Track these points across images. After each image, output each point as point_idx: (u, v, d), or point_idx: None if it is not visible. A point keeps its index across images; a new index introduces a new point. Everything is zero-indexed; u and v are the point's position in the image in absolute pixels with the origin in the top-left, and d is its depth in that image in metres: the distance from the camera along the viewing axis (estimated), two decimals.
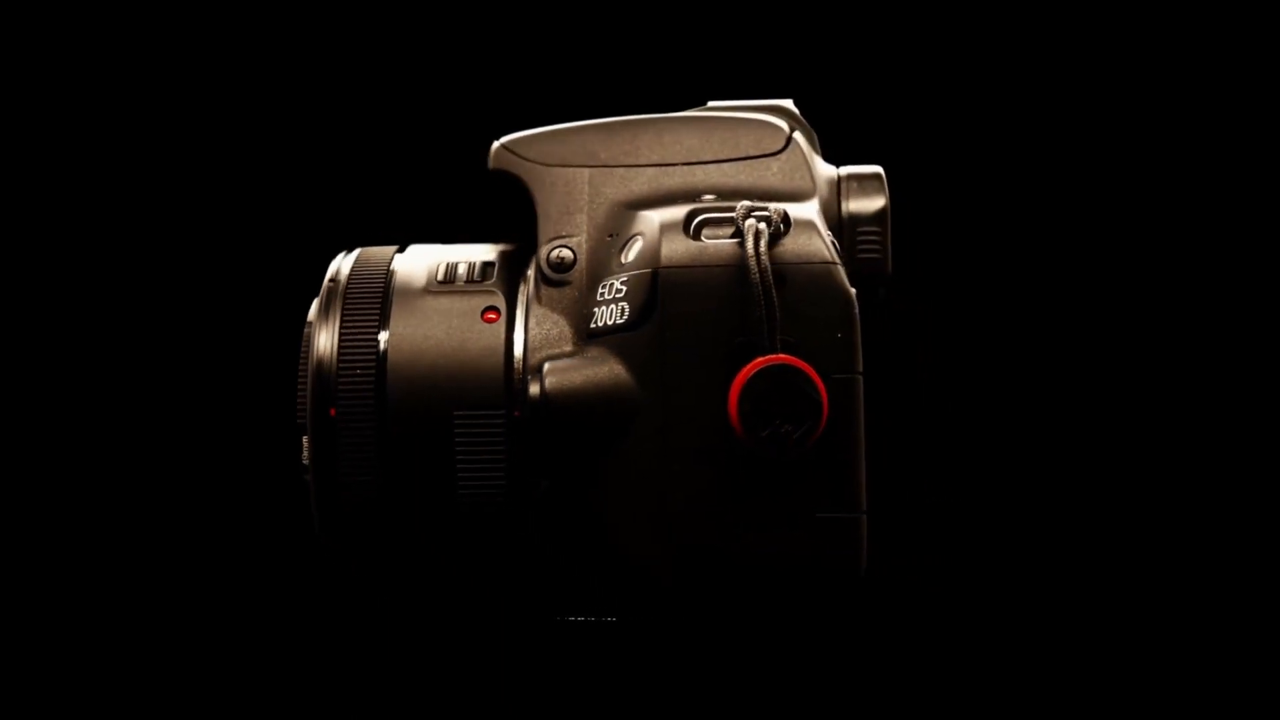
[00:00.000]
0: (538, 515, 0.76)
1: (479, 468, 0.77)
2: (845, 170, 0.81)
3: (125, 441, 1.05)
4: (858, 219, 0.79)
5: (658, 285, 0.74)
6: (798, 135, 0.80)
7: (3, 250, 1.08)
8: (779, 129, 0.80)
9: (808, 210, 0.75)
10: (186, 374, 1.06)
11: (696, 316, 0.73)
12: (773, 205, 0.75)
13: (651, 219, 0.76)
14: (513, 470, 0.76)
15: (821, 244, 0.74)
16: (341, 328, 0.79)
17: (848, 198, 0.80)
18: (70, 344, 1.06)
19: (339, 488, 0.77)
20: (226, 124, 1.11)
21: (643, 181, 0.79)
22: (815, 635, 0.85)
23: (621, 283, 0.75)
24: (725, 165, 0.79)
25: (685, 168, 0.79)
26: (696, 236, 0.74)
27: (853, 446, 0.73)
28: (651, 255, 0.74)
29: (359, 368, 0.78)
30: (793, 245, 0.74)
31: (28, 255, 1.07)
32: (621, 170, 0.79)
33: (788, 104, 0.82)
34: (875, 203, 0.80)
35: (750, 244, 0.73)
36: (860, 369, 0.74)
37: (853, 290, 0.74)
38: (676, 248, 0.74)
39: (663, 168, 0.79)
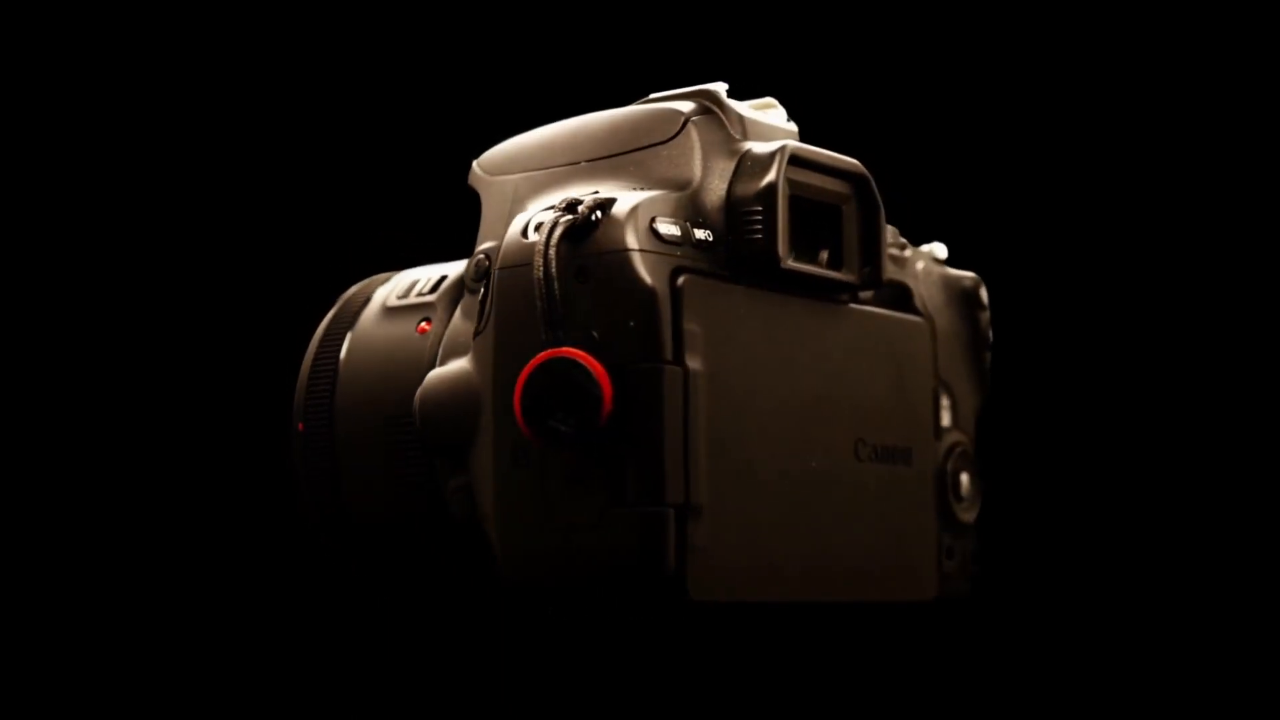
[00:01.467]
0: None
1: (408, 469, 0.80)
2: (751, 149, 0.77)
3: (142, 453, 1.07)
4: (742, 200, 0.75)
5: (492, 286, 0.75)
6: (696, 120, 0.77)
7: (13, 261, 1.11)
8: (676, 116, 0.78)
9: (635, 198, 0.73)
10: (211, 386, 1.08)
11: (522, 315, 0.73)
12: (591, 197, 0.73)
13: (513, 221, 0.76)
14: (434, 471, 0.79)
15: (627, 233, 0.72)
16: (316, 350, 0.85)
17: (738, 179, 0.76)
18: (89, 368, 1.08)
19: (314, 493, 0.84)
20: (273, 145, 1.13)
21: (553, 183, 0.79)
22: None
23: (486, 286, 0.77)
24: (619, 159, 0.78)
25: (588, 165, 0.78)
26: (529, 235, 0.75)
27: (652, 438, 0.70)
28: (497, 257, 0.76)
29: (321, 385, 0.84)
30: (600, 236, 0.72)
31: (36, 274, 1.10)
32: (540, 174, 0.80)
33: (715, 87, 0.79)
34: (759, 182, 0.75)
35: (541, 237, 0.72)
36: (667, 358, 0.71)
37: (650, 279, 0.71)
38: (510, 248, 0.75)
39: (570, 167, 0.79)
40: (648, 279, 0.71)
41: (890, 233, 0.86)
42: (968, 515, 0.87)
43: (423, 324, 0.82)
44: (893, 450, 0.82)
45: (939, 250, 0.89)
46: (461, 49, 1.10)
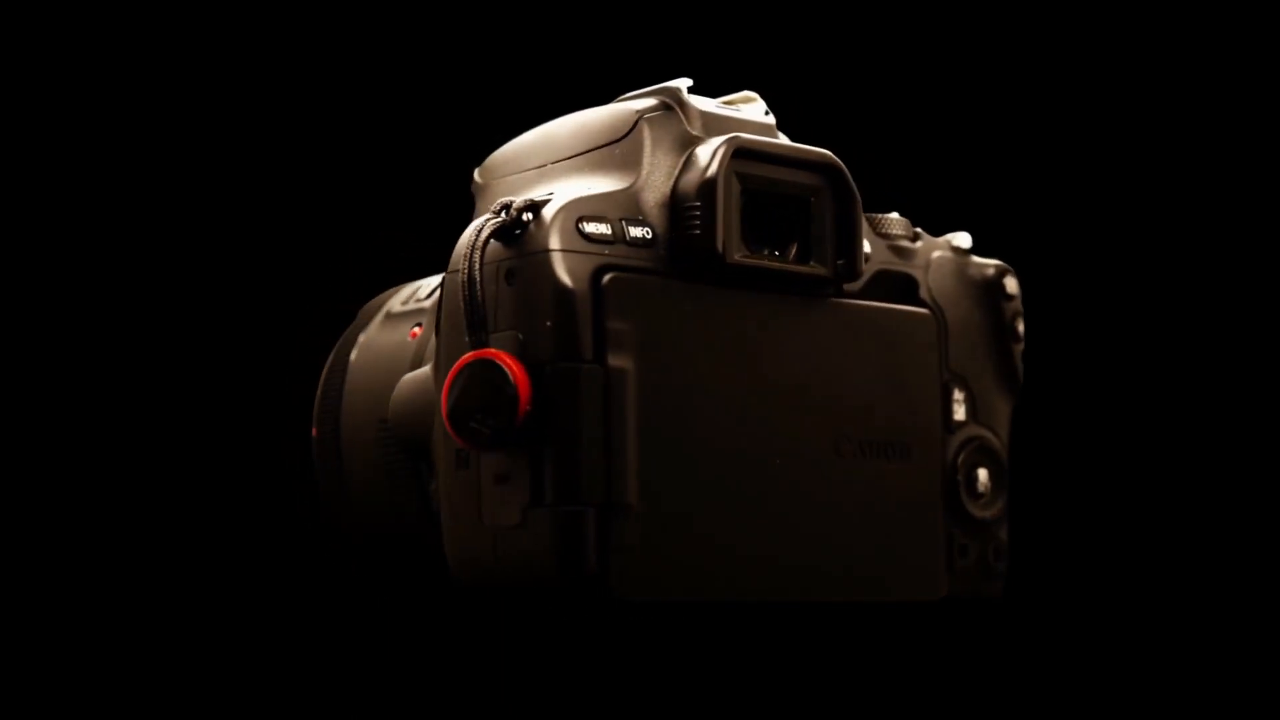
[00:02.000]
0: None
1: (399, 471, 0.82)
2: (700, 144, 0.76)
3: (166, 466, 1.05)
4: (684, 196, 0.75)
5: (443, 289, 0.76)
6: (650, 118, 0.77)
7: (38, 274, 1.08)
8: (630, 116, 0.77)
9: (565, 198, 0.73)
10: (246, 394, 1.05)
11: (457, 319, 0.74)
12: (522, 198, 0.74)
13: None
14: (419, 473, 0.81)
15: (551, 234, 0.72)
16: (332, 358, 0.88)
17: (682, 175, 0.75)
18: (113, 377, 1.05)
19: (325, 495, 0.86)
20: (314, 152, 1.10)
21: (524, 187, 0.80)
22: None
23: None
24: (579, 159, 0.78)
25: (554, 166, 0.79)
26: None
27: (569, 437, 0.71)
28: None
29: (332, 391, 0.86)
30: (527, 237, 0.73)
31: (58, 289, 1.07)
32: (516, 178, 0.80)
33: (678, 83, 0.78)
34: (697, 177, 0.75)
35: (469, 240, 0.73)
36: (585, 357, 0.71)
37: (568, 279, 0.71)
38: (457, 251, 0.76)
39: (540, 170, 0.79)
40: (565, 279, 0.71)
41: (900, 224, 0.84)
42: (986, 512, 0.84)
43: (414, 329, 0.83)
44: (885, 445, 0.80)
45: (962, 239, 0.86)
46: (485, 56, 1.10)
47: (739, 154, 0.75)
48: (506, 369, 0.71)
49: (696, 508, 0.73)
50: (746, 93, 0.81)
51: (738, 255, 0.75)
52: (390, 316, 0.86)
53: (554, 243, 0.72)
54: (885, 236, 0.83)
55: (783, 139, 0.81)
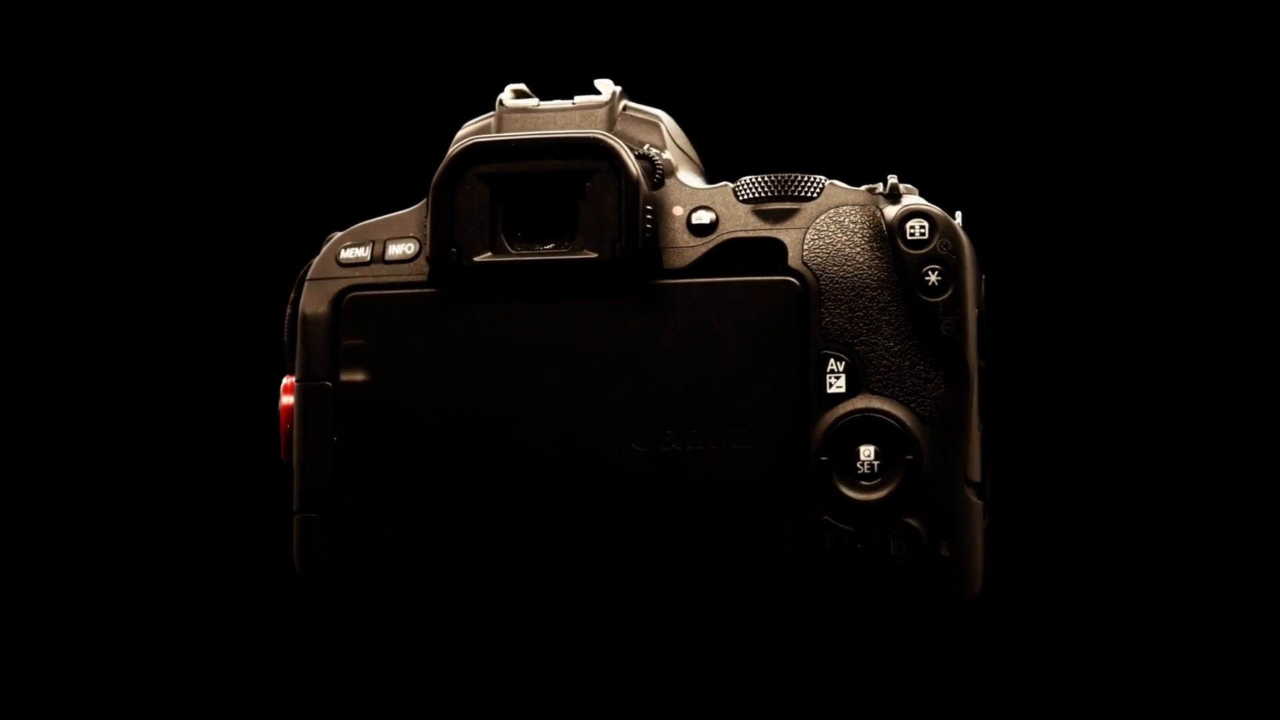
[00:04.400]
0: None
1: None
2: None
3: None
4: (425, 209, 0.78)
5: None
6: (467, 133, 0.80)
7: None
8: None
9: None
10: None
11: None
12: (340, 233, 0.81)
13: None
14: None
15: (313, 263, 0.80)
16: None
17: None
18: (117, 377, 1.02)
19: None
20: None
21: None
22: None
23: None
24: None
25: None
26: None
27: (300, 450, 0.78)
28: None
29: None
30: None
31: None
32: None
33: (510, 88, 0.80)
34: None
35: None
36: (317, 375, 0.78)
37: (304, 304, 0.79)
38: None
39: None
40: (303, 305, 0.79)
41: (793, 183, 0.76)
42: (870, 495, 0.73)
43: None
44: (711, 430, 0.75)
45: (882, 185, 0.76)
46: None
47: (477, 156, 0.77)
48: (282, 391, 0.80)
49: (444, 508, 0.76)
50: (600, 80, 0.80)
51: (480, 257, 0.76)
52: None
53: (313, 272, 0.79)
54: (751, 201, 0.76)
55: (666, 124, 0.79)
